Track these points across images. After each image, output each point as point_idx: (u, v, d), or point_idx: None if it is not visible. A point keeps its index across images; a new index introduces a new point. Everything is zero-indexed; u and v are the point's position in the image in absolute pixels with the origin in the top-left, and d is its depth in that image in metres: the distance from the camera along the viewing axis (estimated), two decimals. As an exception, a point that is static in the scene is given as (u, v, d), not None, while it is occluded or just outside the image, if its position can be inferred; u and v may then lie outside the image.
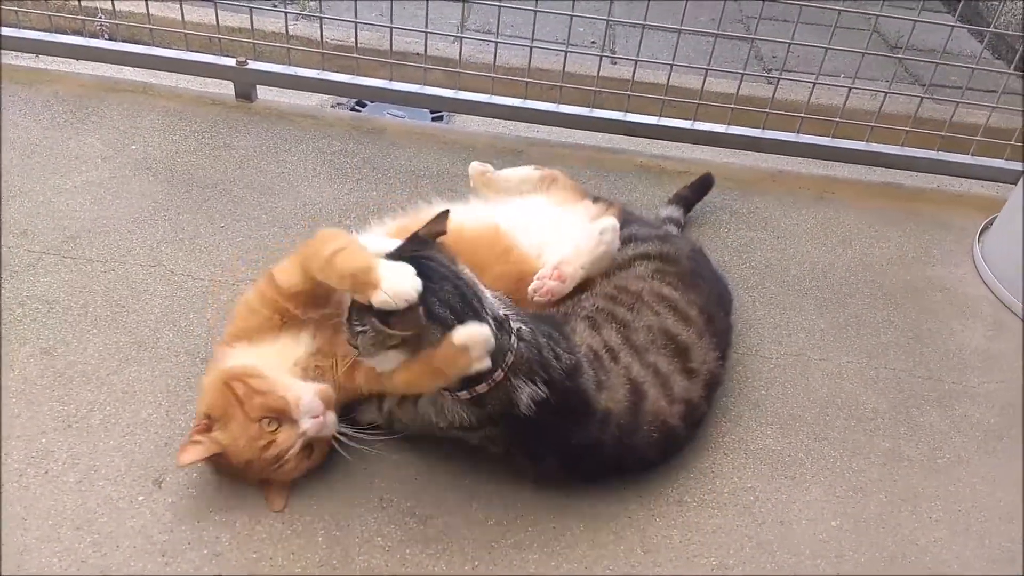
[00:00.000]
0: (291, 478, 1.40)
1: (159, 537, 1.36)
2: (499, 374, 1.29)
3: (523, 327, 1.34)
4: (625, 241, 1.73)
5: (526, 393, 1.31)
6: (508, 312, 1.35)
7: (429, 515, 1.44)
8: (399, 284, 1.22)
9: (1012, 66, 2.50)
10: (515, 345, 1.30)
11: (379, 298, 1.21)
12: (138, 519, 1.38)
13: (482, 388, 1.29)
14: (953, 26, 2.41)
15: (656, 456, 1.52)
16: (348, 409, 1.49)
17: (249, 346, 1.43)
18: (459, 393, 1.31)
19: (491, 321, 1.28)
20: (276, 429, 1.34)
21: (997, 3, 3.94)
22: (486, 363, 1.26)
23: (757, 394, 1.76)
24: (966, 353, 1.94)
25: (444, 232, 1.38)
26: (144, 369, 1.63)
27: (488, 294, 1.34)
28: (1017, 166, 2.45)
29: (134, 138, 2.31)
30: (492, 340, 1.25)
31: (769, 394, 1.76)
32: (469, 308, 1.27)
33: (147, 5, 2.56)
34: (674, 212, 2.17)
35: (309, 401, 1.35)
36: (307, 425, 1.34)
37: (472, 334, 1.24)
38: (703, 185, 2.28)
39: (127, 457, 1.47)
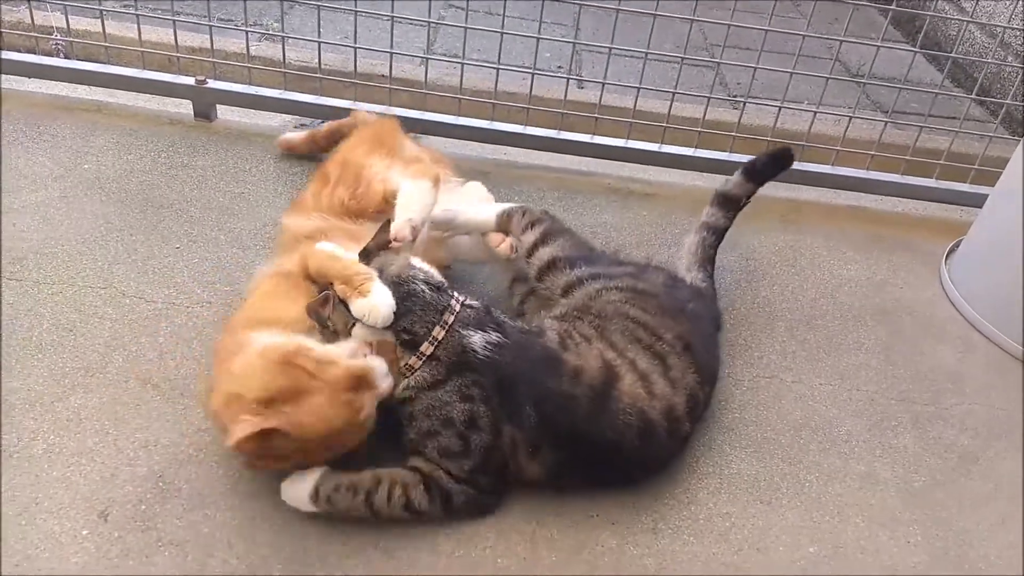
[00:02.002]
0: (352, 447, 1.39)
1: (105, 573, 1.27)
2: (439, 331, 1.40)
3: (475, 301, 1.49)
4: (591, 277, 1.67)
5: (478, 337, 1.41)
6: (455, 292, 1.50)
7: (393, 547, 1.37)
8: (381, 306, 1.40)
9: (973, 93, 2.53)
10: (456, 307, 1.44)
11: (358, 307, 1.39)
12: (82, 555, 1.29)
13: (426, 348, 1.40)
14: (916, 51, 2.43)
15: (634, 443, 1.44)
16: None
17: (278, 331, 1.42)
18: (410, 362, 1.40)
19: (423, 285, 1.45)
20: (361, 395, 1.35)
21: (955, 33, 4.04)
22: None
23: (730, 417, 1.72)
24: (937, 374, 1.93)
25: (389, 242, 1.54)
26: (91, 396, 1.55)
27: (424, 271, 1.50)
28: (981, 190, 2.47)
29: (87, 157, 2.23)
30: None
31: (742, 417, 1.73)
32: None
33: (103, 23, 2.50)
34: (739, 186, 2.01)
35: (382, 366, 1.38)
36: (384, 385, 1.37)
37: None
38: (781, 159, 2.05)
39: (71, 489, 1.38)
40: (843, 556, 1.47)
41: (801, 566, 1.45)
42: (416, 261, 1.51)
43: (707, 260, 1.95)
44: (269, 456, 1.31)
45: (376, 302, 1.39)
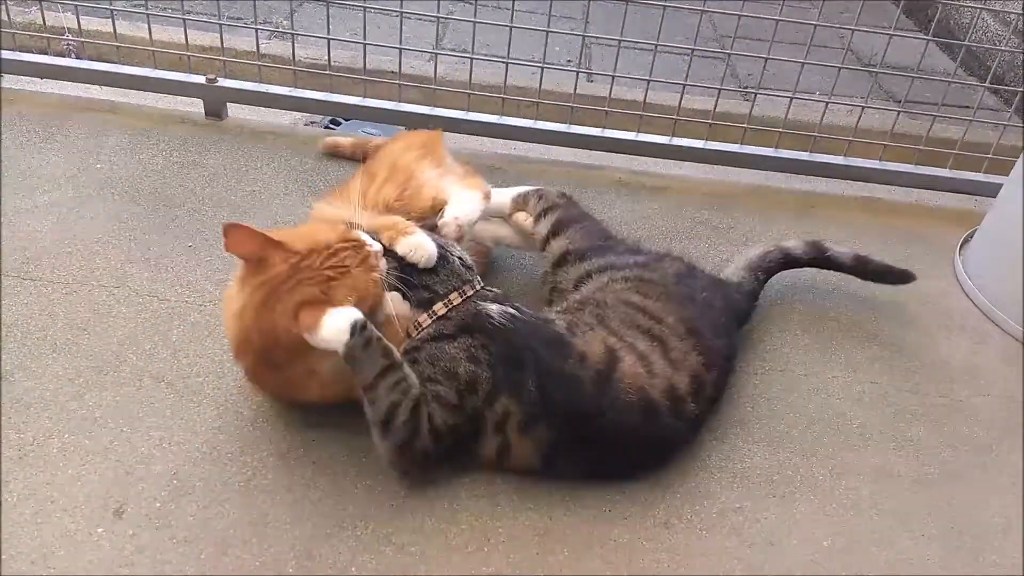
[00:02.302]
0: (373, 292, 1.41)
1: (120, 571, 1.28)
2: (455, 297, 1.48)
3: (496, 289, 1.56)
4: (600, 270, 1.71)
5: (495, 307, 1.47)
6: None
7: (406, 543, 1.38)
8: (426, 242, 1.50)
9: (987, 81, 2.51)
10: (477, 286, 1.52)
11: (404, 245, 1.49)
12: (97, 552, 1.30)
13: (440, 308, 1.47)
14: (928, 40, 2.41)
15: (637, 421, 1.44)
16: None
17: None
18: (420, 319, 1.47)
19: (456, 258, 1.54)
20: None
21: (967, 21, 4.00)
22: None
23: (742, 411, 1.72)
24: (952, 366, 1.91)
25: (435, 226, 1.67)
26: (105, 394, 1.56)
27: (460, 250, 1.58)
28: (995, 179, 2.45)
29: (99, 157, 2.24)
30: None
31: (755, 411, 1.72)
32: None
33: (114, 23, 2.52)
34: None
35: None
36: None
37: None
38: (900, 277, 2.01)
39: (86, 487, 1.39)
40: (857, 550, 1.47)
41: (815, 560, 1.44)
42: (458, 244, 1.61)
43: (759, 269, 1.92)
44: (274, 281, 1.34)
45: (422, 239, 1.49)
